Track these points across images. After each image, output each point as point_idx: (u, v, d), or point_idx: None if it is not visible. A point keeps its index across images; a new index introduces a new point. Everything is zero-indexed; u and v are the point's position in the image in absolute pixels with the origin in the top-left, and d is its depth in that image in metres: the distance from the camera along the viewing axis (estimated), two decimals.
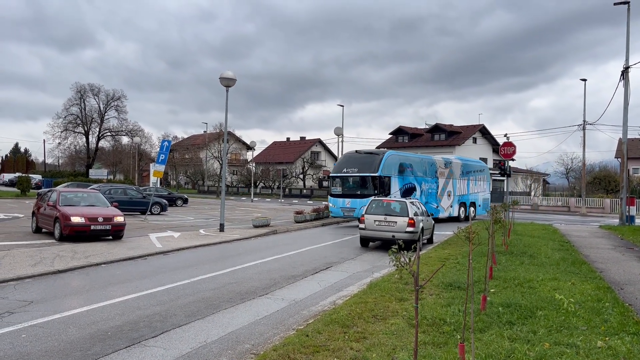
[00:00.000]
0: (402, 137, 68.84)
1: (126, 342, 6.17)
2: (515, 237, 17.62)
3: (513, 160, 29.33)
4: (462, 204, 30.94)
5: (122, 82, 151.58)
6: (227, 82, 20.28)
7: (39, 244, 14.91)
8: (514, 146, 23.99)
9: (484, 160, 67.05)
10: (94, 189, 25.93)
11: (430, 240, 17.96)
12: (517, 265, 11.60)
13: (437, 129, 66.42)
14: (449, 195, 29.28)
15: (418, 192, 26.70)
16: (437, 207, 28.09)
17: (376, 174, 23.92)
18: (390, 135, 70.66)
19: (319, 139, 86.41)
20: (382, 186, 23.71)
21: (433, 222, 18.60)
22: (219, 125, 75.02)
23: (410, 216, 15.53)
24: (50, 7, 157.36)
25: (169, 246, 15.43)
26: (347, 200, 24.72)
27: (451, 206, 29.64)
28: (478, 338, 6.00)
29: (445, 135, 65.17)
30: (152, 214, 28.63)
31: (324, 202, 41.21)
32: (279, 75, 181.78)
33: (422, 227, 16.09)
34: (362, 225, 16.18)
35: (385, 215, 15.89)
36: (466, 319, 5.55)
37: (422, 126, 73.17)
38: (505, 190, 37.52)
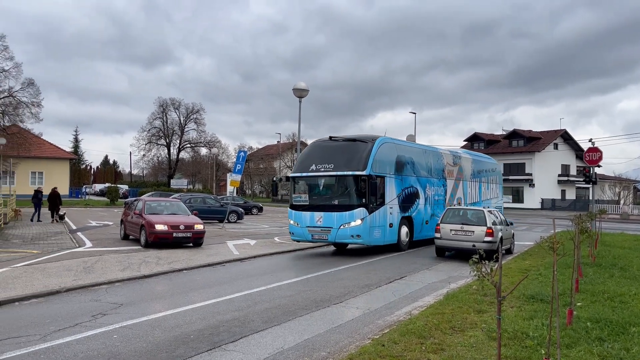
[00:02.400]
0: (478, 143, 66.83)
1: (207, 346, 6.40)
2: (604, 248, 16.56)
3: (599, 166, 27.24)
4: None
5: (199, 95, 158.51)
6: (300, 93, 20.69)
7: (127, 250, 15.83)
8: (600, 152, 22.41)
9: (566, 167, 63.82)
10: (175, 198, 27.19)
11: (509, 251, 17.26)
12: (606, 278, 10.89)
13: (515, 134, 63.90)
14: (459, 204, 22.12)
15: (422, 200, 19.08)
16: None
17: (363, 173, 15.51)
18: (465, 142, 68.81)
19: None
20: (372, 192, 15.58)
21: (513, 231, 17.88)
22: (291, 135, 76.54)
23: (488, 225, 15.07)
24: (135, 28, 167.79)
25: (245, 253, 15.87)
26: (317, 215, 16.03)
27: None
28: (565, 354, 5.69)
29: (524, 142, 62.55)
30: (229, 222, 29.57)
31: None
32: (348, 84, 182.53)
33: (501, 237, 15.52)
34: (437, 235, 15.98)
35: (462, 224, 15.57)
36: (551, 334, 5.29)
37: (499, 132, 70.69)
38: (590, 198, 31.63)
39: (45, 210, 28.59)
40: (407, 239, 17.92)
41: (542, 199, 60.17)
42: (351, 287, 10.77)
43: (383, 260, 15.55)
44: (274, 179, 20.58)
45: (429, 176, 19.90)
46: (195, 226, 16.92)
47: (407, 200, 18.00)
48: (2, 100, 47.30)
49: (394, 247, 17.34)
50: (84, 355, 5.93)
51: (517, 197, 61.49)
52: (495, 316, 7.29)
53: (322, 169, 16.25)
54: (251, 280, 11.35)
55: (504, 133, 67.03)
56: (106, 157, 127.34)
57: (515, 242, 18.18)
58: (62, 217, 27.46)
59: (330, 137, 17.26)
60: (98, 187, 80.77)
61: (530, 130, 65.10)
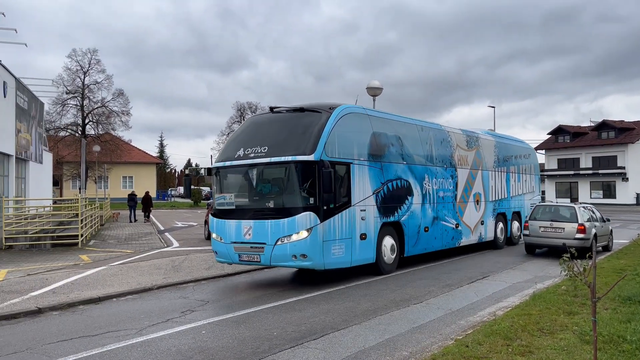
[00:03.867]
0: (563, 136, 63.36)
1: (290, 343, 6.54)
2: None
3: None
4: (501, 217, 17.96)
5: (275, 98, 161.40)
6: (374, 92, 20.59)
7: (211, 250, 16.51)
8: None
9: None
10: None
11: (606, 248, 16.32)
12: None
13: (604, 126, 59.83)
14: (477, 202, 16.33)
15: (417, 198, 13.38)
16: (457, 226, 15.13)
17: (310, 158, 10.20)
18: (549, 136, 65.46)
19: None
20: (327, 187, 10.12)
21: (610, 227, 16.79)
22: None
23: (579, 222, 14.40)
24: (211, 36, 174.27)
25: None
26: (245, 225, 10.57)
27: (482, 222, 16.56)
28: None
29: (615, 133, 58.44)
30: None
31: None
32: (422, 80, 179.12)
33: (595, 234, 14.69)
34: (526, 232, 15.85)
35: (552, 221, 15.10)
36: None
37: (586, 124, 66.56)
38: None
39: (139, 212, 30.57)
40: (395, 256, 12.28)
41: (638, 194, 55.94)
42: (432, 286, 10.59)
43: (466, 259, 15.15)
44: (187, 171, 17.75)
45: (428, 164, 13.93)
46: None
47: (393, 198, 12.26)
48: (96, 110, 50.95)
49: (373, 269, 11.77)
50: (176, 349, 6.27)
51: (609, 192, 57.65)
52: (587, 318, 6.91)
53: (252, 155, 10.64)
54: (329, 280, 11.46)
55: (592, 124, 63.00)
56: (189, 160, 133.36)
57: (613, 240, 17.15)
58: (148, 218, 29.84)
59: (271, 109, 11.69)
60: (182, 189, 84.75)
61: (622, 121, 60.71)
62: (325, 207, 10.14)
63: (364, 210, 11.22)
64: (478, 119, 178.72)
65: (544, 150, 63.44)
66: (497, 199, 17.78)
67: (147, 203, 30.02)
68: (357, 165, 11.15)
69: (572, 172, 60.31)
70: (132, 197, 30.61)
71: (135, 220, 29.41)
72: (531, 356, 5.63)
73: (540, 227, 15.22)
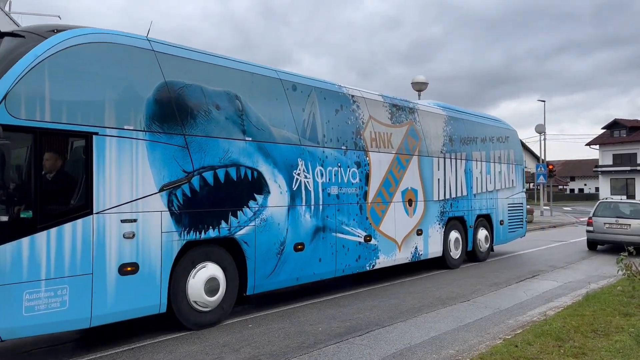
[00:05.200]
0: (619, 131, 60.62)
1: (335, 339, 6.57)
2: None
3: None
4: (455, 223, 12.64)
5: None
6: (419, 87, 20.35)
7: None
8: None
9: None
10: None
11: None
12: None
13: None
14: (408, 203, 11.10)
15: (278, 196, 8.22)
16: (369, 238, 9.99)
17: None
18: (604, 130, 62.79)
19: None
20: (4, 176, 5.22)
21: None
22: None
23: None
24: (255, 35, 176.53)
25: None
26: None
27: (418, 231, 11.31)
28: None
29: None
30: None
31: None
32: (467, 74, 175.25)
33: None
34: (589, 228, 16.08)
35: (617, 217, 15.45)
36: None
37: None
38: None
39: None
40: (221, 296, 7.31)
41: None
42: (478, 285, 10.39)
43: (514, 257, 14.78)
44: None
45: (307, 143, 8.90)
46: None
47: (217, 199, 7.33)
48: None
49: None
50: (224, 342, 6.41)
51: None
52: None
53: None
54: (374, 276, 11.42)
55: None
56: None
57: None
58: None
59: None
60: None
61: None
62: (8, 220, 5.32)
63: (131, 221, 6.28)
64: (526, 113, 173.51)
65: (597, 146, 60.96)
66: (447, 197, 12.12)
67: None
68: (112, 138, 6.15)
69: (628, 168, 57.67)
70: None
71: None
72: (584, 358, 5.45)
73: (604, 223, 15.64)
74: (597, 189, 76.01)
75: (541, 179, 34.28)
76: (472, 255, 13.35)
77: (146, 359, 5.78)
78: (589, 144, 60.46)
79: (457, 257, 12.58)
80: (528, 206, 36.91)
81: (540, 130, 36.82)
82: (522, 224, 15.62)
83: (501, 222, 14.37)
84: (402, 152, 10.95)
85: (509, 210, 14.78)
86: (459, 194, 12.59)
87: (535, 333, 6.38)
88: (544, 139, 37.72)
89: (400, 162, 10.86)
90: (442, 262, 12.18)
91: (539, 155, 42.83)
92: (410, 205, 11.00)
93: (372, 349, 6.19)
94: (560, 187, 76.79)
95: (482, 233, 13.59)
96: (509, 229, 14.87)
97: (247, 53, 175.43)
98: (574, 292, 9.51)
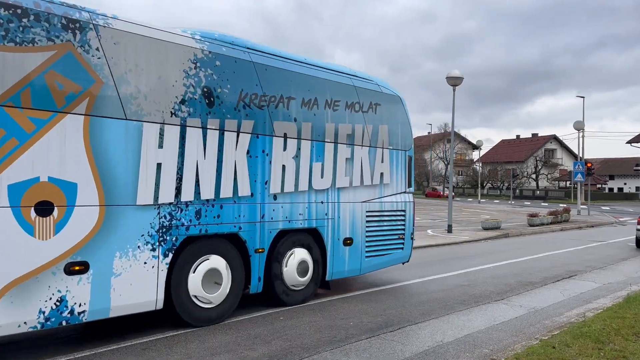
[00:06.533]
0: None
1: (366, 334, 6.53)
2: None
3: None
4: (216, 245, 6.86)
5: None
6: (454, 81, 20.03)
7: None
8: None
9: None
10: None
11: None
12: None
13: None
14: (41, 213, 5.20)
15: None
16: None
17: None
18: None
19: (554, 135, 79.17)
20: None
21: None
22: (443, 125, 74.50)
23: None
24: (287, 29, 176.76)
25: None
26: None
27: (71, 268, 5.38)
28: None
29: None
30: None
31: (561, 205, 37.59)
32: (502, 70, 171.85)
33: None
34: (639, 227, 16.41)
35: None
36: None
37: None
38: None
39: None
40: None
41: None
42: (513, 284, 10.18)
43: (549, 256, 14.44)
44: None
45: None
46: None
47: None
48: None
49: None
50: (255, 334, 6.45)
51: None
52: None
53: None
54: (404, 272, 11.30)
55: None
56: None
57: None
58: None
59: None
60: None
61: None
62: None
63: None
64: (564, 109, 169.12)
65: (639, 144, 58.97)
66: (184, 199, 6.50)
67: None
68: None
69: None
70: None
71: None
72: None
73: None
74: (637, 188, 73.67)
75: (579, 177, 33.28)
76: (268, 295, 7.73)
77: (179, 348, 5.85)
78: (630, 142, 58.52)
79: (211, 303, 6.76)
80: (564, 205, 36.12)
81: (579, 127, 35.76)
82: (400, 243, 9.69)
83: (347, 242, 8.61)
84: (26, 106, 5.16)
85: (371, 220, 9.05)
86: (224, 194, 6.85)
87: (573, 334, 6.20)
88: (583, 136, 36.67)
89: (14, 127, 5.10)
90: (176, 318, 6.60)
91: (577, 153, 41.71)
92: (44, 215, 5.27)
93: (403, 345, 6.13)
94: (599, 185, 74.66)
95: (296, 259, 7.84)
96: (370, 250, 9.05)
97: (278, 47, 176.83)
98: (613, 294, 9.22)
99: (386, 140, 9.41)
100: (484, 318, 7.48)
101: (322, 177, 8.22)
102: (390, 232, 9.51)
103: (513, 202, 53.75)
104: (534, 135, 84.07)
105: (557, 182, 73.32)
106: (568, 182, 65.71)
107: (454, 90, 20.36)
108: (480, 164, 72.39)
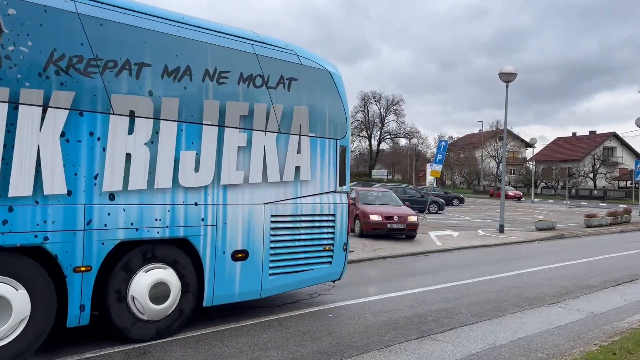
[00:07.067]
0: None
1: (416, 334, 6.46)
2: None
3: None
4: None
5: (397, 87, 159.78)
6: (507, 77, 19.48)
7: None
8: None
9: None
10: (376, 188, 28.00)
11: None
12: None
13: None
14: None
15: None
16: None
17: None
18: None
19: (614, 132, 75.53)
20: None
21: None
22: (495, 122, 72.71)
23: None
24: (336, 27, 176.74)
25: (448, 245, 15.63)
26: None
27: None
28: None
29: None
30: (429, 212, 29.40)
31: (621, 205, 35.92)
32: (557, 65, 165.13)
33: None
34: None
35: None
36: None
37: None
38: None
39: None
40: None
41: None
42: (570, 287, 9.81)
43: (609, 259, 13.83)
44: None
45: None
46: (409, 218, 16.35)
47: None
48: None
49: None
50: (305, 330, 6.50)
51: None
52: None
53: None
54: (455, 272, 11.13)
55: None
56: None
57: None
58: None
59: None
60: None
61: None
62: None
63: None
64: (625, 106, 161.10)
65: None
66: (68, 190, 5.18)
67: None
68: None
69: None
70: None
71: None
72: None
73: None
74: None
75: None
76: (106, 327, 5.81)
77: (231, 342, 5.97)
78: None
79: None
80: (624, 205, 34.53)
81: None
82: (326, 256, 7.65)
83: (239, 255, 6.57)
84: None
85: (280, 228, 7.01)
86: (16, 191, 4.90)
87: (635, 341, 5.92)
88: None
89: None
90: None
91: (638, 151, 39.71)
92: None
93: (454, 346, 6.02)
94: None
95: (147, 280, 5.79)
96: (278, 267, 7.01)
97: (327, 46, 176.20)
98: None
99: (305, 125, 7.29)
100: (539, 321, 7.25)
101: (196, 170, 6.13)
102: (311, 243, 7.39)
103: (568, 202, 51.78)
104: (592, 132, 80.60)
105: (616, 181, 70.13)
106: (629, 182, 62.58)
107: (507, 86, 19.81)
108: (534, 163, 70.01)
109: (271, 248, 6.87)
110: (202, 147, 6.17)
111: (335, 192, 7.68)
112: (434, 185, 33.59)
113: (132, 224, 5.61)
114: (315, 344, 5.99)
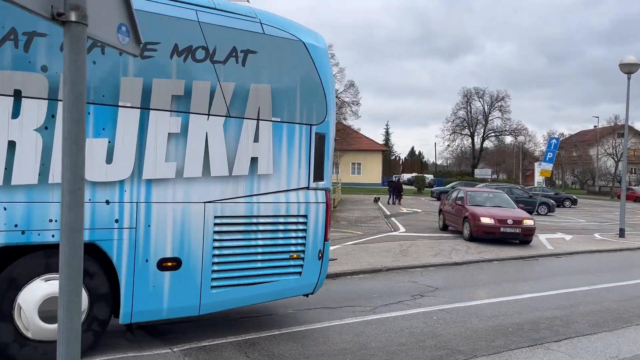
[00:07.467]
0: None
1: (528, 342, 6.14)
2: None
3: None
4: None
5: (501, 82, 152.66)
6: (629, 68, 17.90)
7: (436, 237, 16.48)
8: None
9: None
10: (479, 188, 26.98)
11: None
12: None
13: None
14: None
15: None
16: None
17: None
18: None
19: None
20: None
21: None
22: (613, 118, 66.97)
23: None
24: (436, 23, 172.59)
25: (560, 249, 14.69)
26: None
27: None
28: None
29: None
30: (538, 214, 27.78)
31: None
32: None
33: None
34: None
35: None
36: None
37: None
38: None
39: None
40: None
41: None
42: None
43: None
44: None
45: None
46: (525, 221, 15.13)
47: None
48: None
49: None
50: (409, 331, 6.43)
51: None
52: None
53: None
54: (569, 278, 10.44)
55: None
56: (412, 148, 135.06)
57: None
58: (400, 201, 34.51)
59: None
60: (406, 176, 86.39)
61: None
62: None
63: None
64: None
65: None
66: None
67: (398, 189, 35.05)
68: None
69: None
70: (390, 183, 36.94)
71: (394, 203, 33.64)
72: None
73: None
74: None
75: None
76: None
77: (335, 339, 6.06)
78: None
79: None
80: None
81: None
82: (294, 266, 6.21)
83: (167, 264, 5.38)
84: None
85: (227, 231, 5.73)
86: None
87: None
88: None
89: None
90: None
91: None
92: None
93: (571, 357, 5.65)
94: None
95: (36, 295, 4.72)
96: (224, 278, 5.72)
97: (426, 43, 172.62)
98: None
99: (266, 108, 5.90)
100: None
101: (108, 162, 4.99)
102: (272, 250, 6.00)
103: None
104: None
105: None
106: None
107: (628, 78, 18.19)
108: None
109: (214, 256, 5.59)
110: (118, 134, 5.02)
111: (308, 188, 6.25)
112: (543, 185, 31.68)
113: (15, 225, 4.56)
114: (419, 346, 5.90)
